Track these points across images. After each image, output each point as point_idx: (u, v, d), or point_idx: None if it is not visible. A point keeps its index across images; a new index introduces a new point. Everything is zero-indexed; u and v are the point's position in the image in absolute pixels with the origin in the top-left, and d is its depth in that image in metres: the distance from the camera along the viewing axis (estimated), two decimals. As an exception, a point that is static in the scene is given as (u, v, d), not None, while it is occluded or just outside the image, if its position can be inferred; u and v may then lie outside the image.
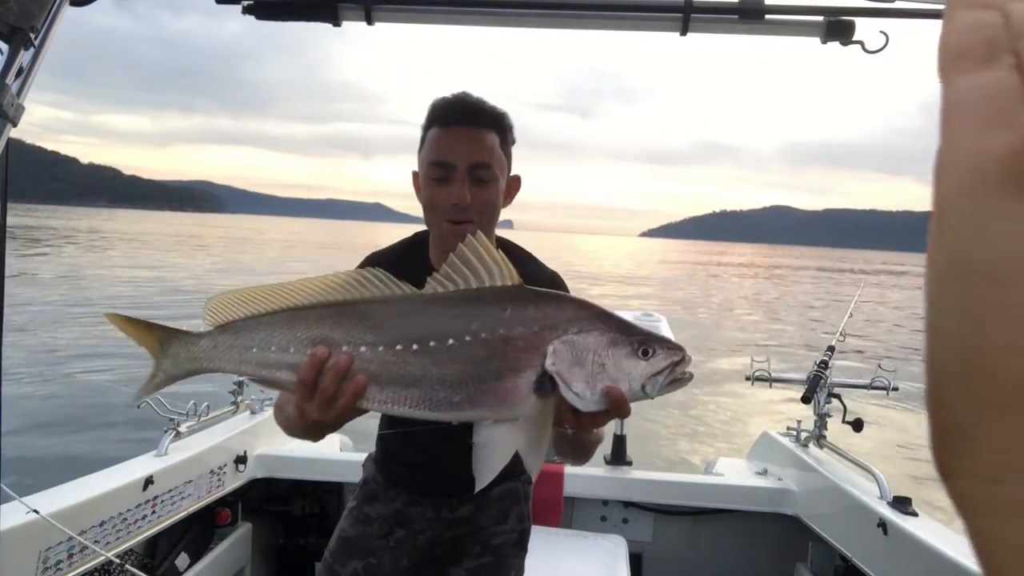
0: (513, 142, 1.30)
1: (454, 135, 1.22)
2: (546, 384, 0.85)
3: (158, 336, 0.97)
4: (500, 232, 1.39)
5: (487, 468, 0.88)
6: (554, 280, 1.35)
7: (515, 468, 1.43)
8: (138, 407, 2.34)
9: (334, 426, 0.93)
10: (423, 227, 1.38)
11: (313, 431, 0.97)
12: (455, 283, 0.88)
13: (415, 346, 0.86)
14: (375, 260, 1.35)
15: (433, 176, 1.23)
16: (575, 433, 1.04)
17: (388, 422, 1.43)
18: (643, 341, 0.87)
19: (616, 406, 0.85)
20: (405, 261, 1.29)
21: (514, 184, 1.32)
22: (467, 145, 1.22)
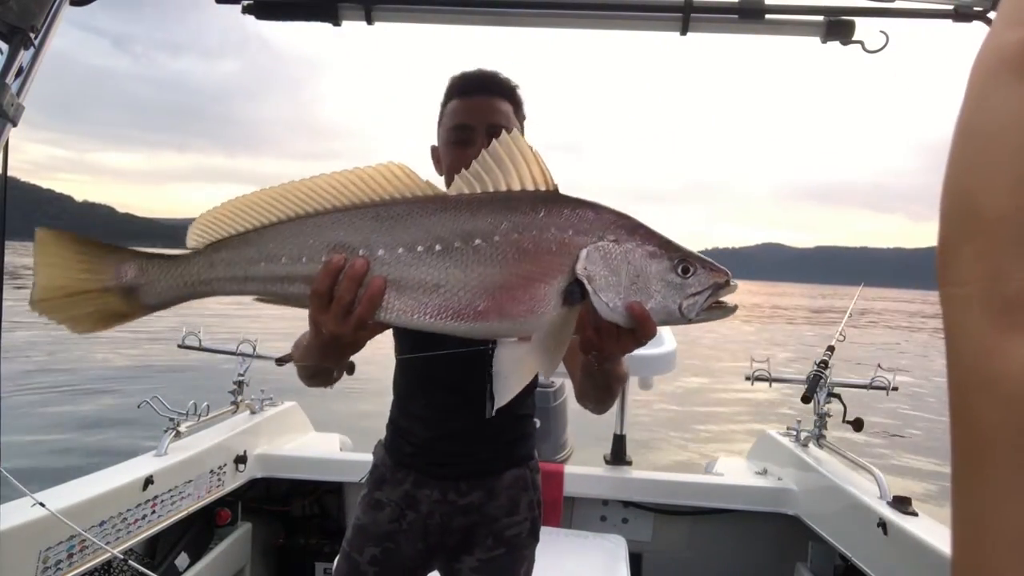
0: (524, 118, 1.36)
1: (471, 103, 1.29)
2: (575, 292, 0.80)
3: (121, 258, 0.83)
4: None
5: (507, 386, 0.82)
6: None
7: (523, 454, 1.44)
8: (137, 407, 2.35)
9: (353, 345, 0.87)
10: None
11: (331, 351, 0.90)
12: (484, 184, 0.81)
13: (438, 247, 0.79)
14: None
15: (454, 140, 1.29)
16: (600, 366, 0.98)
17: (400, 402, 1.44)
18: (684, 258, 0.81)
19: (640, 323, 0.80)
20: None
21: None
22: (484, 110, 1.28)
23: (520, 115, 1.35)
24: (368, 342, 0.88)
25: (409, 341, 1.38)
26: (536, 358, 0.80)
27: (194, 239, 0.84)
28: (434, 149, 1.38)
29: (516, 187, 0.80)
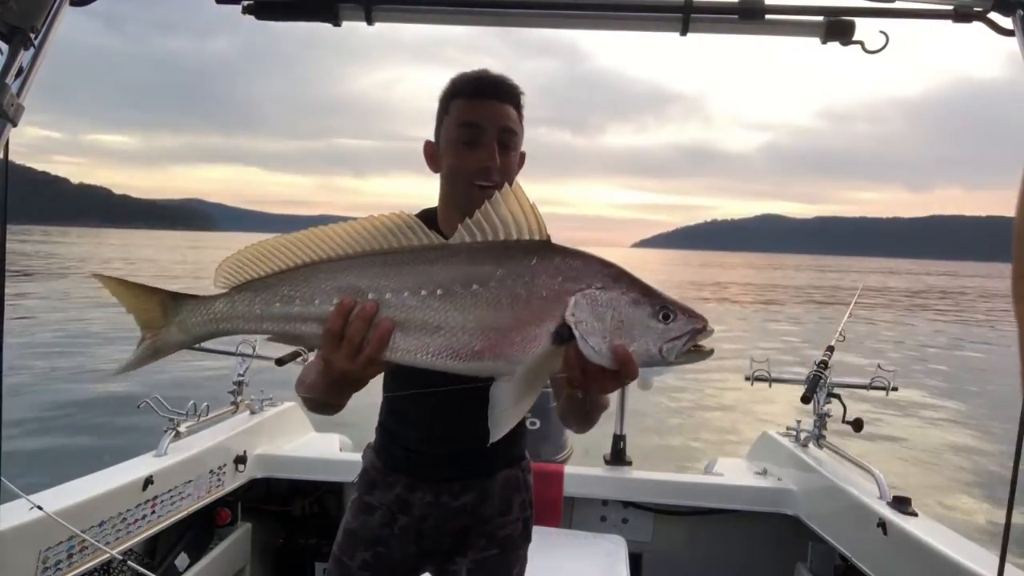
0: (523, 116, 1.35)
1: (481, 104, 1.26)
2: (564, 334, 0.86)
3: (161, 300, 0.92)
4: None
5: (502, 421, 0.88)
6: None
7: (515, 455, 1.44)
8: (138, 407, 2.35)
9: (360, 381, 0.93)
10: None
11: (338, 389, 0.97)
12: (484, 233, 0.88)
13: (439, 291, 0.86)
14: None
15: (463, 139, 1.26)
16: (584, 396, 1.05)
17: (395, 389, 1.43)
18: (664, 305, 0.88)
19: (623, 364, 0.85)
20: None
21: (521, 159, 1.36)
22: (496, 113, 1.26)
23: (522, 120, 1.33)
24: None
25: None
26: (525, 391, 0.88)
27: (220, 282, 0.91)
28: (429, 145, 1.34)
29: (514, 236, 0.87)
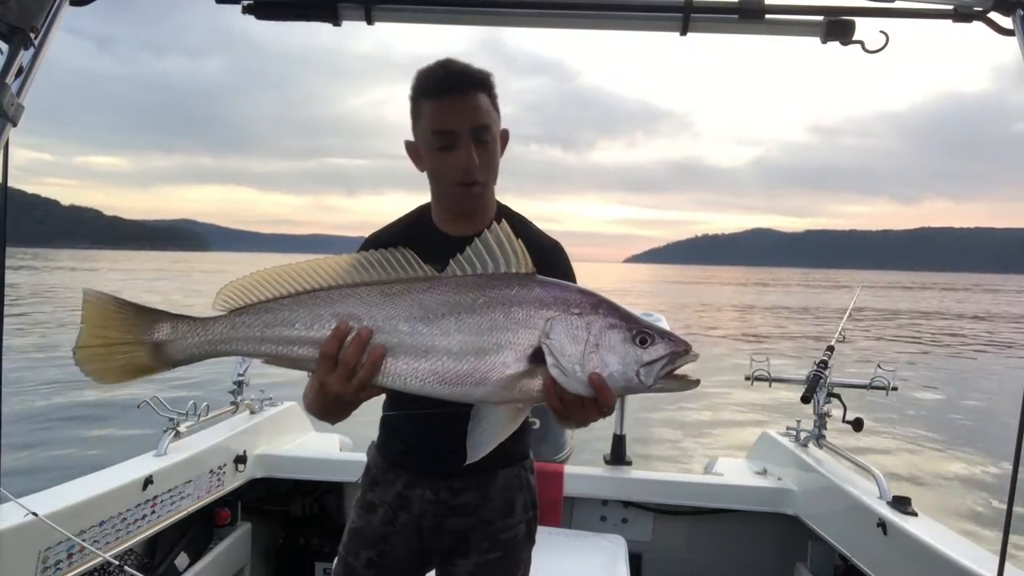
0: (496, 97, 1.32)
1: (449, 104, 1.24)
2: (540, 358, 0.89)
3: (157, 319, 0.95)
4: None
5: (480, 444, 0.92)
6: (559, 248, 1.37)
7: (517, 453, 1.42)
8: (137, 407, 2.35)
9: (353, 403, 0.97)
10: None
11: (333, 409, 1.01)
12: (474, 266, 0.93)
13: (428, 318, 0.91)
14: (378, 237, 1.37)
15: (438, 145, 1.25)
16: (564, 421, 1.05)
17: (391, 405, 1.44)
18: (641, 330, 0.89)
19: (599, 392, 0.86)
20: (410, 232, 1.34)
21: (504, 137, 1.35)
22: (465, 111, 1.24)
23: (495, 100, 1.31)
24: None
25: None
26: (506, 417, 0.92)
27: (220, 304, 0.95)
28: (411, 145, 1.33)
29: (502, 270, 0.93)
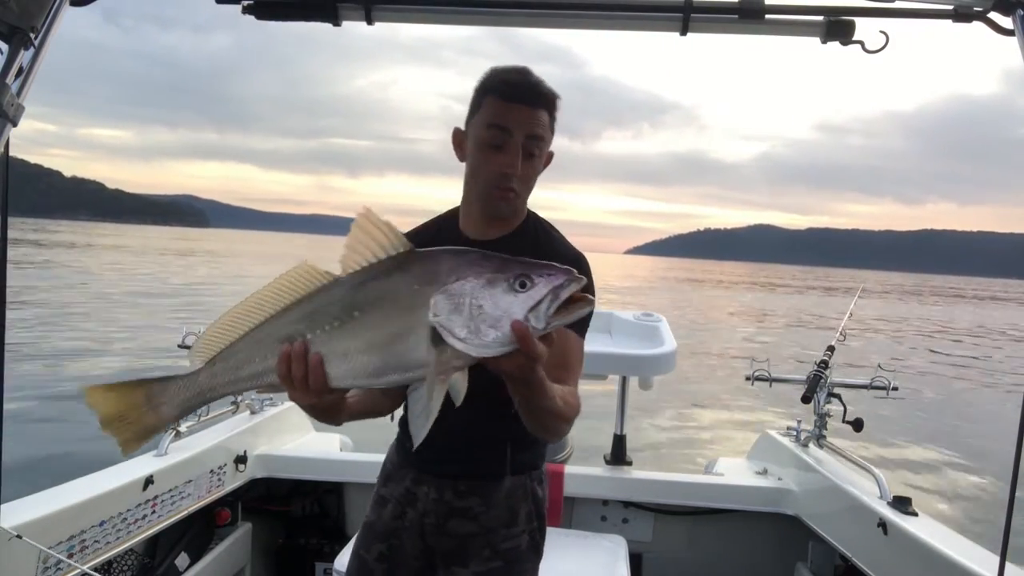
0: (556, 120, 1.34)
1: (515, 108, 1.26)
2: (436, 336, 0.89)
3: (147, 389, 1.04)
4: None
5: (418, 425, 0.94)
6: (578, 262, 1.32)
7: (525, 463, 1.41)
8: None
9: (330, 407, 1.05)
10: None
11: (318, 416, 1.09)
12: (358, 259, 0.95)
13: (337, 323, 0.95)
14: (410, 236, 1.40)
15: (489, 140, 1.26)
16: (522, 400, 1.06)
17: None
18: (519, 274, 0.88)
19: (520, 341, 0.86)
20: (433, 233, 1.37)
21: (548, 158, 1.37)
22: (526, 118, 1.26)
23: (554, 123, 1.32)
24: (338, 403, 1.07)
25: None
26: (436, 395, 0.92)
27: (197, 359, 1.03)
28: (458, 132, 1.34)
29: (381, 255, 0.94)
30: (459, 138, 1.34)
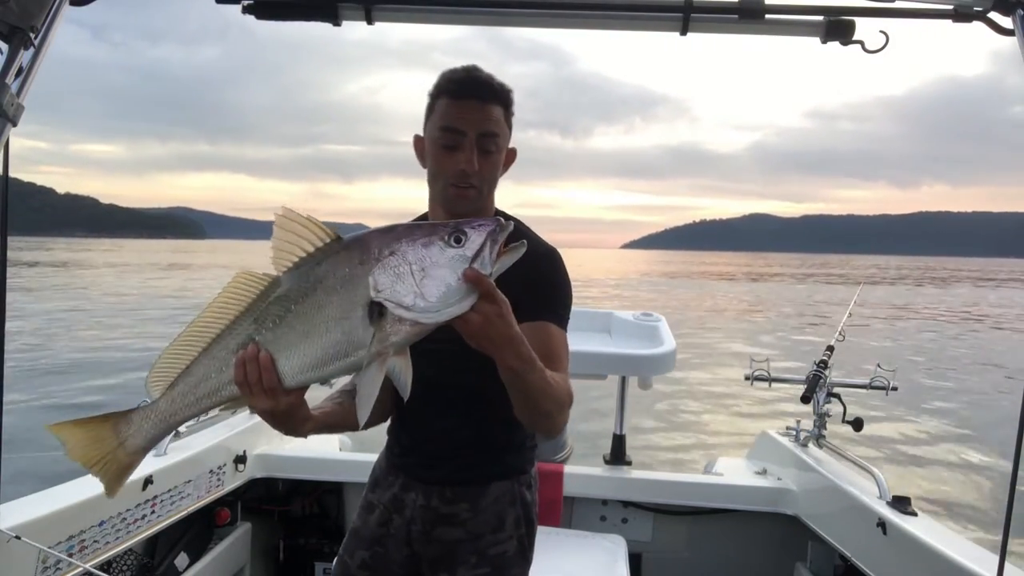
0: (512, 116, 1.34)
1: (464, 106, 1.26)
2: (375, 312, 0.90)
3: (113, 423, 1.03)
4: None
5: (361, 404, 0.93)
6: (550, 255, 1.35)
7: (513, 466, 1.40)
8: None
9: (288, 414, 1.02)
10: None
11: (278, 425, 1.06)
12: (290, 256, 0.96)
13: (278, 320, 0.96)
14: None
15: (443, 142, 1.27)
16: (512, 377, 1.05)
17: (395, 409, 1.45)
18: (452, 231, 0.90)
19: (477, 284, 0.88)
20: None
21: (511, 156, 1.36)
22: (477, 116, 1.26)
23: (510, 117, 1.32)
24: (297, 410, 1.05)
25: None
26: (376, 376, 0.91)
27: (154, 389, 1.03)
28: (418, 139, 1.35)
29: (310, 249, 0.95)
30: (419, 145, 1.35)
